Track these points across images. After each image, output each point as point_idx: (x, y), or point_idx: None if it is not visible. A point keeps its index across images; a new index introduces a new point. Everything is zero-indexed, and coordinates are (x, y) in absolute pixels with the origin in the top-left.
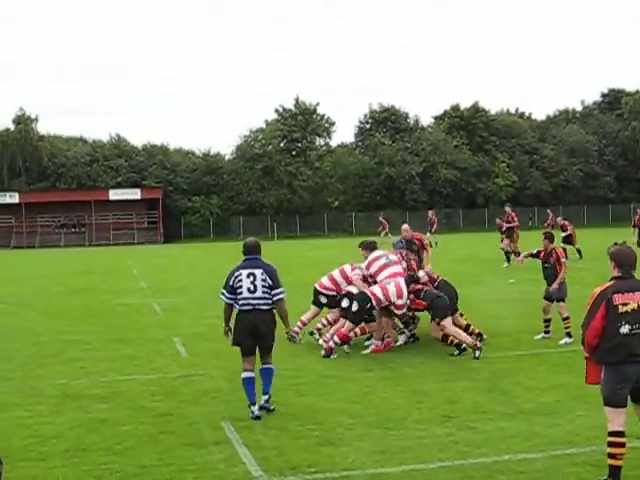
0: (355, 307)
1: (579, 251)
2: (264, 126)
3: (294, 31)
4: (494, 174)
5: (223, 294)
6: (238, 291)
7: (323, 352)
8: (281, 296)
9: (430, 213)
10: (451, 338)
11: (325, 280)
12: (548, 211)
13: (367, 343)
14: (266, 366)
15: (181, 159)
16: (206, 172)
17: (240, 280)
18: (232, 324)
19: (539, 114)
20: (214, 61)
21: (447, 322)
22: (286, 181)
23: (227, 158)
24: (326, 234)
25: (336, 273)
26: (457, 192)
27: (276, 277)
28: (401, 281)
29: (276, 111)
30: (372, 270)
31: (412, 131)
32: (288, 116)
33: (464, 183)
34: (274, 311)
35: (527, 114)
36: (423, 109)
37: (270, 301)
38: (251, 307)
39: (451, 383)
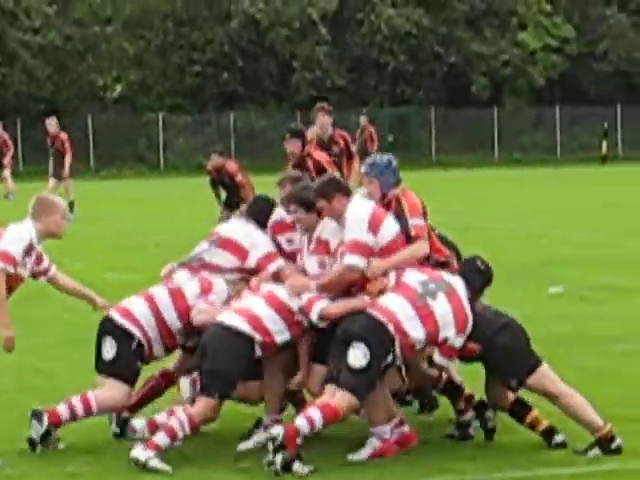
0: (361, 359)
1: None
2: None
3: None
4: (514, 20)
5: None
6: None
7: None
8: None
9: (362, 119)
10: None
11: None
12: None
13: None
14: None
15: None
16: None
17: None
18: None
19: None
20: None
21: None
22: None
23: None
24: (92, 169)
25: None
26: (421, 67)
27: None
28: (456, 282)
29: None
30: (383, 240)
31: None
32: None
33: (440, 42)
34: None
35: None
36: None
37: None
38: None
39: None
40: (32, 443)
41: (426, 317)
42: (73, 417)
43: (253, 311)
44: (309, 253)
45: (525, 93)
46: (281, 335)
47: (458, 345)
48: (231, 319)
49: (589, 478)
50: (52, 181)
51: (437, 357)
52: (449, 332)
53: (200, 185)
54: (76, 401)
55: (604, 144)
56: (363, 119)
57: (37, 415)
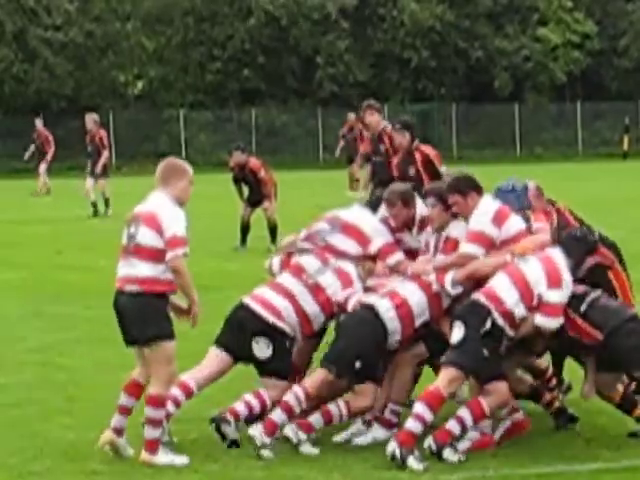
0: (458, 334)
1: None
2: None
3: None
4: (535, 16)
5: None
6: None
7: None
8: None
9: (350, 116)
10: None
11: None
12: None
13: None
14: None
15: None
16: None
17: None
18: None
19: None
20: None
21: None
22: (13, 29)
23: None
24: (113, 165)
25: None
26: (443, 62)
27: None
28: (553, 250)
29: None
30: (507, 233)
31: None
32: None
33: (464, 37)
34: None
35: None
36: None
37: None
38: None
39: None
40: (234, 443)
41: (518, 280)
42: (251, 414)
43: (405, 298)
44: (438, 252)
45: (547, 89)
46: (421, 317)
47: (554, 300)
48: (380, 304)
49: (610, 474)
50: (90, 180)
51: (539, 319)
52: (540, 288)
53: (222, 181)
54: (251, 398)
55: (625, 140)
56: (352, 116)
57: (221, 420)
